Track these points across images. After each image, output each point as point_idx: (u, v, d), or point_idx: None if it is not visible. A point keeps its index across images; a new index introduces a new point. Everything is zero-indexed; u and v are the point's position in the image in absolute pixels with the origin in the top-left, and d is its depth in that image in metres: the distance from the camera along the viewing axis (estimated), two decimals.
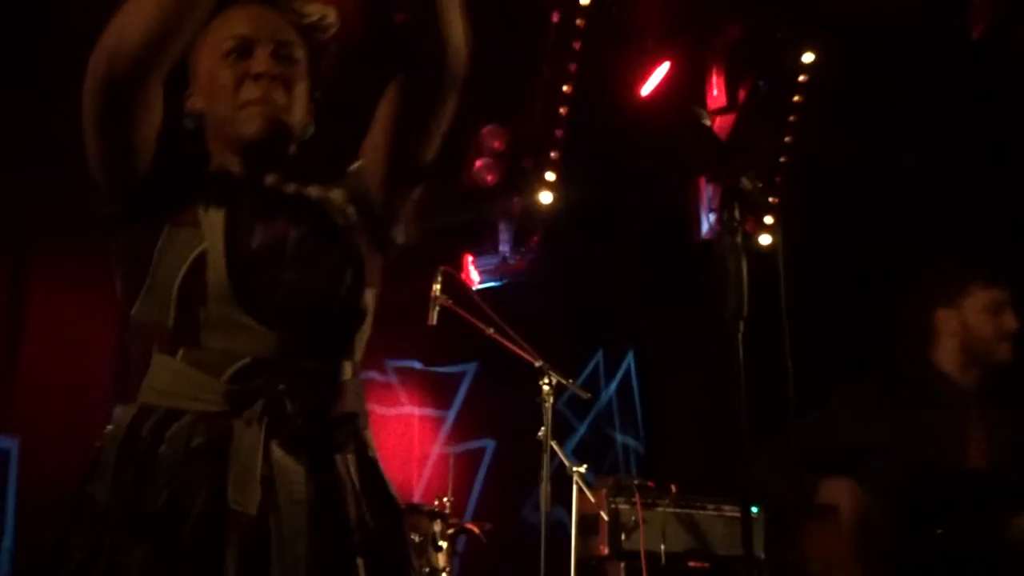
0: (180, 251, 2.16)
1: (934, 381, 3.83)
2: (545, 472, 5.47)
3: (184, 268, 2.14)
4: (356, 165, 2.45)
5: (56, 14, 5.61)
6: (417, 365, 7.18)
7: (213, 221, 2.18)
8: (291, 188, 2.37)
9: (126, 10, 2.07)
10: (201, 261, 2.13)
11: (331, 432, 2.18)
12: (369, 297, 2.31)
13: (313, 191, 2.39)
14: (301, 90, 2.36)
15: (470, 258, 7.16)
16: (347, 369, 2.25)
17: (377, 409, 7.00)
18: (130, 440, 2.08)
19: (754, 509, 5.60)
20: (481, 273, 7.17)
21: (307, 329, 2.20)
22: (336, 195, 2.40)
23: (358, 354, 2.31)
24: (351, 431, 2.22)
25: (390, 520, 2.23)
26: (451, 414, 7.39)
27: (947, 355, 3.84)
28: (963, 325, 3.82)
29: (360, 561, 2.11)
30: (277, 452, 2.09)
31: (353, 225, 2.36)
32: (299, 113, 2.35)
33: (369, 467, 2.24)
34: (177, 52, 2.16)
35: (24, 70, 5.82)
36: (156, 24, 2.06)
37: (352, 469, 2.19)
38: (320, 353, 2.21)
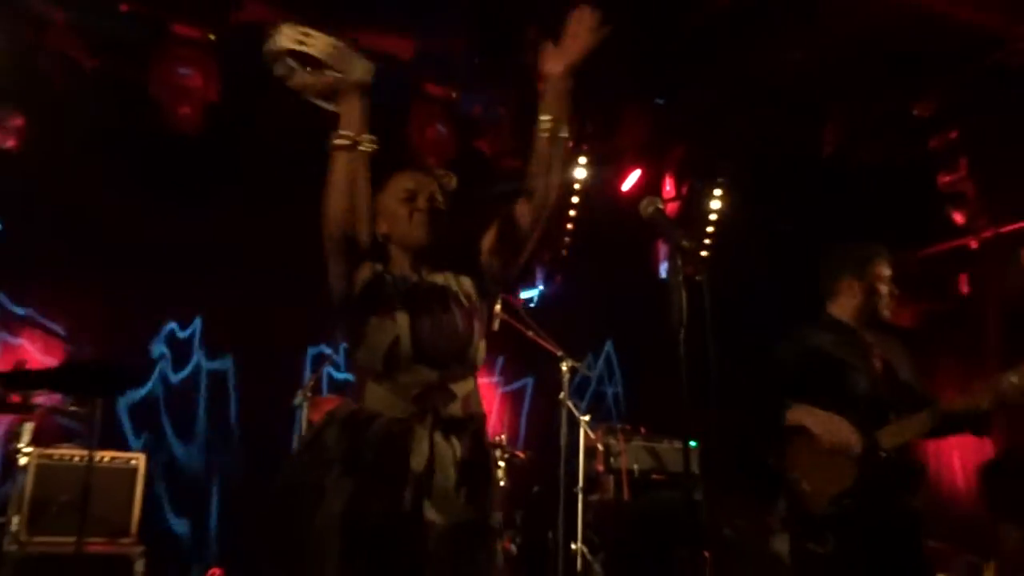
0: (385, 332, 2.34)
1: (841, 328, 3.39)
2: (563, 420, 5.44)
3: (388, 342, 2.32)
4: (478, 260, 2.54)
5: None
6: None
7: (401, 319, 2.35)
8: (439, 279, 2.49)
9: (325, 201, 2.30)
10: (397, 342, 2.32)
11: (464, 423, 2.34)
12: (483, 344, 2.48)
13: (451, 280, 2.50)
14: (441, 217, 2.50)
15: (519, 288, 7.13)
16: (471, 383, 2.42)
17: None
18: (351, 421, 2.31)
19: (692, 443, 5.52)
20: (525, 298, 7.15)
21: (451, 368, 2.37)
22: (464, 282, 2.51)
23: (478, 371, 2.47)
24: (473, 421, 2.38)
25: (492, 458, 2.50)
26: (504, 384, 7.34)
27: (844, 310, 3.41)
28: (866, 290, 3.37)
29: (478, 487, 2.31)
30: (437, 437, 2.28)
31: (475, 303, 2.48)
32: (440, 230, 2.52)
33: (479, 434, 2.40)
34: (356, 217, 2.34)
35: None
36: (340, 209, 2.30)
37: (480, 436, 2.38)
38: (459, 379, 2.38)
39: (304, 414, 5.23)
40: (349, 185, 2.30)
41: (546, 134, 2.39)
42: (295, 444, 5.87)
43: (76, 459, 4.64)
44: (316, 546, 2.17)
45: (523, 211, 2.46)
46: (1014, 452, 3.36)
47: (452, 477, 2.26)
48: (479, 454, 2.34)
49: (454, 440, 2.30)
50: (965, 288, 6.90)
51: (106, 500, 4.60)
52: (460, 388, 2.36)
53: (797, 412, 3.20)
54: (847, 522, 3.07)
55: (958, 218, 6.61)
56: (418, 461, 2.22)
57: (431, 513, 2.20)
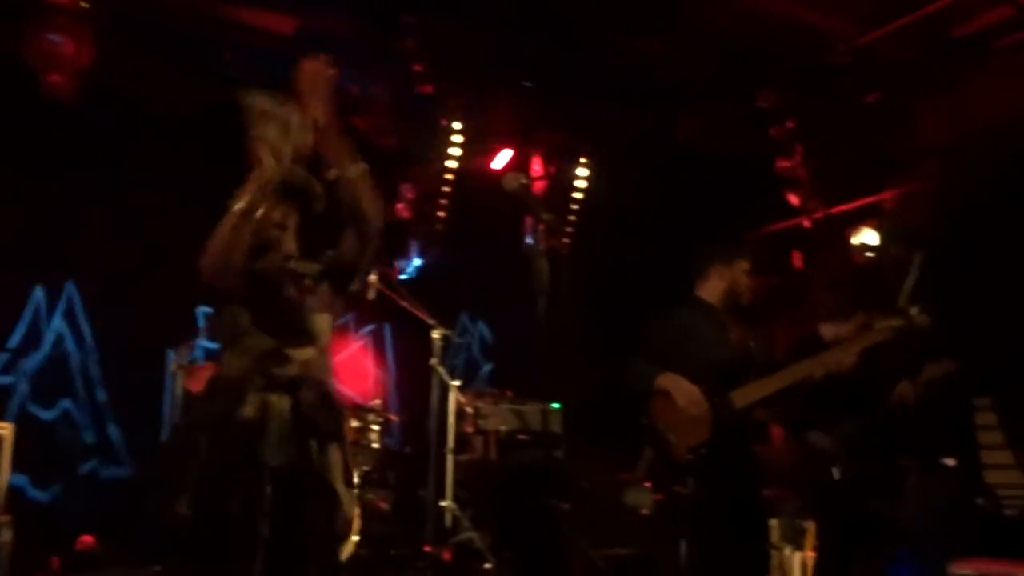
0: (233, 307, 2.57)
1: (706, 308, 3.75)
2: (434, 384, 5.51)
3: (234, 315, 2.56)
4: (334, 252, 2.69)
5: None
6: (362, 323, 7.10)
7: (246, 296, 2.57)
8: (289, 264, 2.66)
9: (208, 247, 2.44)
10: (239, 314, 2.56)
11: (298, 382, 2.53)
12: (325, 319, 2.65)
13: (301, 264, 2.67)
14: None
15: (394, 260, 7.09)
16: (310, 352, 2.59)
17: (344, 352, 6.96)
18: (211, 386, 2.59)
19: (555, 405, 5.69)
20: (400, 270, 7.12)
21: (287, 337, 2.55)
22: (312, 267, 2.67)
23: (323, 341, 2.63)
24: (309, 381, 2.55)
25: (335, 418, 2.63)
26: (384, 352, 7.32)
27: (712, 293, 3.76)
28: (731, 278, 3.75)
29: (314, 440, 2.52)
30: (271, 395, 2.49)
31: (313, 286, 2.65)
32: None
33: (326, 394, 2.60)
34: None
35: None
36: (224, 255, 2.43)
37: (316, 396, 2.56)
38: (297, 347, 2.56)
39: (179, 381, 5.12)
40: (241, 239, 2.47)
41: (339, 182, 2.55)
42: (168, 410, 5.74)
43: None
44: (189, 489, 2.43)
45: (351, 240, 2.67)
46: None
47: (286, 427, 2.46)
48: (313, 409, 2.53)
49: (287, 396, 2.50)
50: (798, 264, 7.34)
51: None
52: (299, 354, 2.57)
53: (664, 379, 3.50)
54: (703, 468, 3.41)
55: (793, 200, 7.00)
56: (249, 411, 2.45)
57: (267, 456, 2.42)
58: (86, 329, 5.97)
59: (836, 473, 4.13)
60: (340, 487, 2.56)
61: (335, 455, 2.56)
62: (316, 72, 2.53)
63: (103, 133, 5.64)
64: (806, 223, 7.12)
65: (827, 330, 4.32)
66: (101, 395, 5.95)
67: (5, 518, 4.47)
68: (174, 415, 4.95)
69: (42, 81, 5.09)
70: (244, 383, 2.49)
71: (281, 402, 2.49)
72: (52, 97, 5.13)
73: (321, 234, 2.79)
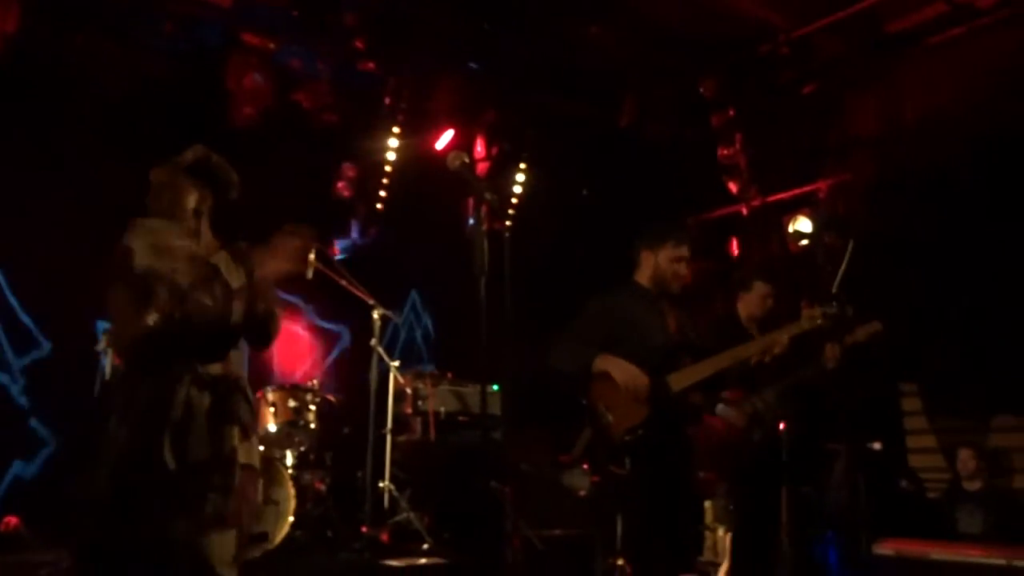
0: None
1: (643, 293, 3.73)
2: (373, 364, 5.46)
3: None
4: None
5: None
6: (300, 302, 7.01)
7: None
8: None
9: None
10: None
11: (220, 380, 2.59)
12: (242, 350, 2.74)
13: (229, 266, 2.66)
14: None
15: (334, 239, 7.00)
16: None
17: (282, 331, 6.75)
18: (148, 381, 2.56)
19: (495, 387, 5.69)
20: (340, 249, 7.04)
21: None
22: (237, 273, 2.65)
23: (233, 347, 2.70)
24: (229, 378, 2.61)
25: (251, 411, 2.69)
26: (318, 332, 7.23)
27: (644, 278, 3.75)
28: (656, 264, 3.72)
29: (236, 428, 2.58)
30: (193, 390, 2.52)
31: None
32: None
33: (244, 388, 2.67)
34: None
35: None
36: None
37: (238, 388, 2.64)
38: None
39: (109, 359, 4.98)
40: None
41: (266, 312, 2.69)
42: (97, 389, 5.58)
43: None
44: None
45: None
46: None
47: (203, 424, 2.52)
48: (230, 404, 2.61)
49: (208, 393, 2.56)
50: (735, 250, 7.45)
51: None
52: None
53: (604, 360, 3.49)
54: (640, 448, 3.44)
55: (733, 188, 7.10)
56: (176, 412, 2.49)
57: (192, 452, 2.48)
58: (15, 306, 5.77)
59: (756, 437, 4.22)
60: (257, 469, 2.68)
61: (254, 444, 2.67)
62: (303, 244, 2.64)
63: (34, 106, 5.42)
64: (744, 210, 7.24)
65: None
66: (31, 371, 5.77)
67: None
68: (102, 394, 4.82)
69: None
70: (173, 380, 2.53)
71: (200, 398, 2.55)
72: None
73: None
